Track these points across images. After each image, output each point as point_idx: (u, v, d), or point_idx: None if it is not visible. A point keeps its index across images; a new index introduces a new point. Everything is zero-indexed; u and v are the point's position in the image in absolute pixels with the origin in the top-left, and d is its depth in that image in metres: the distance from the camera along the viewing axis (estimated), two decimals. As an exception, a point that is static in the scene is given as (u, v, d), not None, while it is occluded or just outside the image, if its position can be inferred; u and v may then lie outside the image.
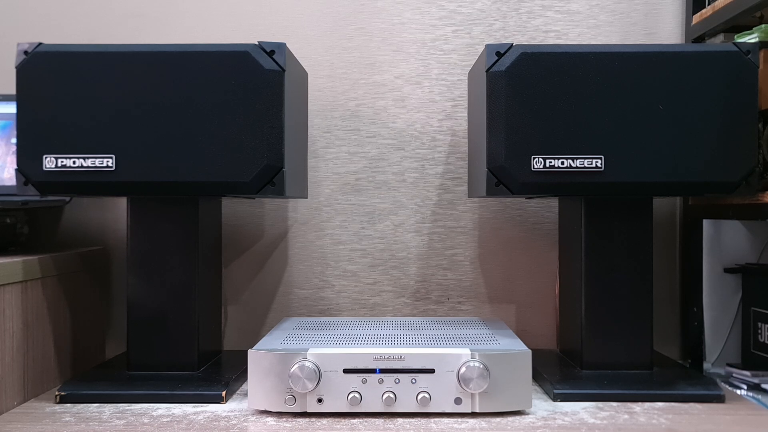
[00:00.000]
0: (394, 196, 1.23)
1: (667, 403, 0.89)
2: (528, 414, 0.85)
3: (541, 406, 0.89)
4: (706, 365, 1.19)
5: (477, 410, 0.84)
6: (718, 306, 1.21)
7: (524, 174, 0.89)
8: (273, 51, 0.89)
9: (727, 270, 1.21)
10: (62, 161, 0.89)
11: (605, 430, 0.80)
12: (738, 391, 1.01)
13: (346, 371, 0.84)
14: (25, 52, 0.90)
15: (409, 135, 1.23)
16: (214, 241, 1.07)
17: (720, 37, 1.11)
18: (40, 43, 0.90)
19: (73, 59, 0.90)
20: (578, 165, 0.89)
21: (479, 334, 0.96)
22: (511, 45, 0.90)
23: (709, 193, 0.92)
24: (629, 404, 0.89)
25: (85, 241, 1.22)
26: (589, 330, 0.99)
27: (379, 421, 0.83)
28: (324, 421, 0.83)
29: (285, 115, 0.89)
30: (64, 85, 0.90)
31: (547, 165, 0.89)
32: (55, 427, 0.81)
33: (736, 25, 1.06)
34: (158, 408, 0.88)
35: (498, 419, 0.83)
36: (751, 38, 0.98)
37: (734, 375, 1.09)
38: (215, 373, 0.98)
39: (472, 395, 0.84)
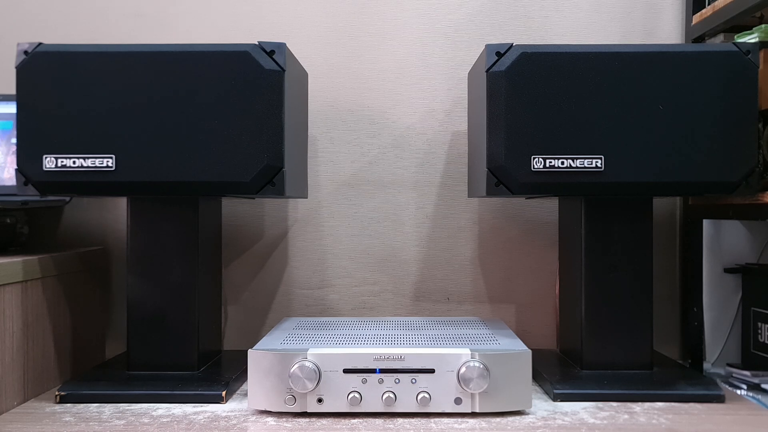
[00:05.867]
0: (394, 196, 1.23)
1: (667, 403, 0.89)
2: (528, 414, 0.85)
3: (541, 406, 0.89)
4: (706, 365, 1.19)
5: (477, 410, 0.84)
6: (718, 306, 1.21)
7: (524, 174, 0.89)
8: (273, 51, 0.89)
9: (727, 270, 1.21)
10: (62, 161, 0.89)
11: (605, 430, 0.80)
12: (738, 391, 1.01)
13: (346, 371, 0.84)
14: (25, 52, 0.90)
15: (409, 135, 1.23)
16: (214, 241, 1.07)
17: (720, 37, 1.11)
18: (40, 43, 0.90)
19: (73, 59, 0.90)
20: (578, 165, 0.89)
21: (479, 334, 0.96)
22: (511, 45, 0.90)
23: (709, 193, 0.92)
24: (629, 404, 0.89)
25: (85, 241, 1.22)
26: (589, 330, 0.99)
27: (379, 421, 0.83)
28: (324, 421, 0.83)
29: (285, 115, 0.89)
30: (64, 85, 0.89)
31: (547, 165, 0.89)
32: (55, 427, 0.81)
33: (736, 25, 1.05)
34: (158, 408, 0.88)
35: (498, 419, 0.83)
36: (751, 38, 0.98)
37: (734, 375, 1.09)
38: (215, 373, 0.98)
39: (472, 395, 0.84)
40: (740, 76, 0.90)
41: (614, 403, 0.89)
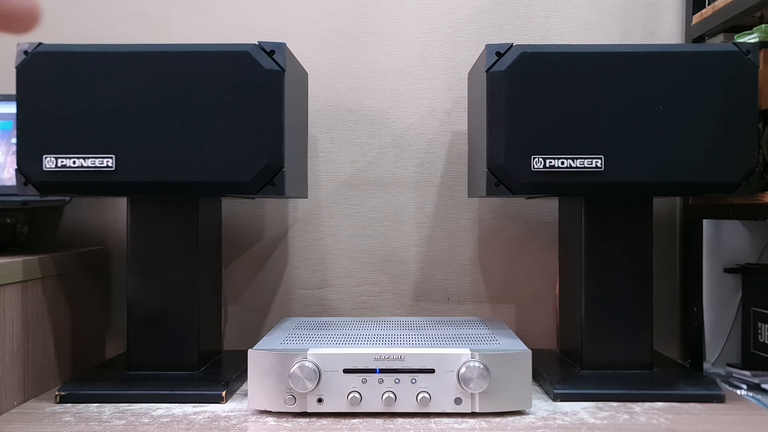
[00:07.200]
0: (394, 196, 1.23)
1: (667, 403, 0.89)
2: (528, 414, 0.85)
3: (541, 406, 0.89)
4: (706, 365, 1.19)
5: (477, 410, 0.84)
6: (718, 306, 1.21)
7: (524, 174, 0.89)
8: (273, 51, 0.89)
9: (727, 270, 1.21)
10: (62, 161, 0.89)
11: (605, 430, 0.80)
12: (738, 391, 1.01)
13: (346, 371, 0.84)
14: (25, 52, 0.90)
15: (409, 135, 1.23)
16: (214, 241, 1.07)
17: (720, 37, 1.11)
18: (40, 43, 0.90)
19: (73, 59, 0.90)
20: (578, 165, 0.89)
21: (479, 334, 0.96)
22: (511, 45, 0.90)
23: (709, 193, 0.92)
24: (629, 404, 0.89)
25: (85, 241, 1.22)
26: (589, 330, 0.99)
27: (379, 421, 0.83)
28: (324, 421, 0.83)
29: (285, 115, 0.89)
30: (64, 85, 0.89)
31: (547, 165, 0.89)
32: (55, 427, 0.81)
33: (736, 25, 1.06)
34: (158, 408, 0.88)
35: (498, 419, 0.83)
36: (751, 38, 0.98)
37: (734, 375, 1.09)
38: (215, 373, 0.98)
39: (472, 395, 0.84)
40: (740, 76, 0.90)
41: (614, 403, 0.89)
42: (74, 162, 0.89)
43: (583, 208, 0.99)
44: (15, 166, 0.90)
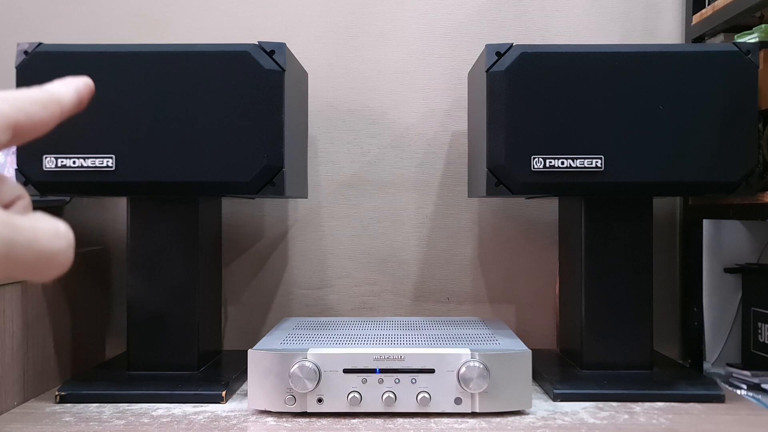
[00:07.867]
0: (394, 196, 1.23)
1: (667, 403, 0.89)
2: (528, 414, 0.85)
3: (541, 406, 0.89)
4: (706, 365, 1.19)
5: (477, 410, 0.84)
6: (718, 306, 1.21)
7: (524, 174, 0.89)
8: (273, 51, 0.89)
9: (727, 270, 1.21)
10: (62, 161, 0.89)
11: (605, 430, 0.80)
12: (738, 391, 1.01)
13: (346, 371, 0.84)
14: (25, 52, 0.90)
15: (409, 135, 1.23)
16: (214, 241, 1.07)
17: (720, 37, 1.11)
18: (40, 43, 0.90)
19: (73, 59, 0.89)
20: (578, 165, 0.89)
21: (479, 334, 0.96)
22: (511, 45, 0.90)
23: (709, 193, 0.92)
24: (629, 404, 0.89)
25: (85, 241, 1.22)
26: (589, 330, 0.99)
27: (379, 421, 0.83)
28: (324, 421, 0.83)
29: (285, 115, 0.89)
30: (64, 85, 0.89)
31: (547, 165, 0.89)
32: (55, 427, 0.81)
33: (736, 25, 1.05)
34: (158, 408, 0.88)
35: (498, 419, 0.83)
36: (751, 38, 0.98)
37: (734, 375, 1.09)
38: (215, 373, 0.98)
39: (472, 395, 0.84)
40: (740, 76, 0.90)
41: (614, 403, 0.89)
42: (74, 162, 0.89)
43: (583, 208, 0.99)
44: (15, 166, 0.90)
